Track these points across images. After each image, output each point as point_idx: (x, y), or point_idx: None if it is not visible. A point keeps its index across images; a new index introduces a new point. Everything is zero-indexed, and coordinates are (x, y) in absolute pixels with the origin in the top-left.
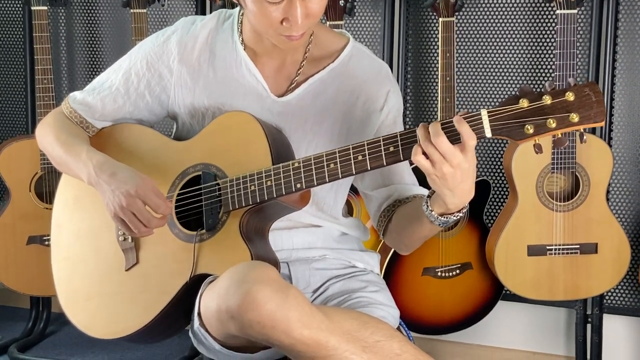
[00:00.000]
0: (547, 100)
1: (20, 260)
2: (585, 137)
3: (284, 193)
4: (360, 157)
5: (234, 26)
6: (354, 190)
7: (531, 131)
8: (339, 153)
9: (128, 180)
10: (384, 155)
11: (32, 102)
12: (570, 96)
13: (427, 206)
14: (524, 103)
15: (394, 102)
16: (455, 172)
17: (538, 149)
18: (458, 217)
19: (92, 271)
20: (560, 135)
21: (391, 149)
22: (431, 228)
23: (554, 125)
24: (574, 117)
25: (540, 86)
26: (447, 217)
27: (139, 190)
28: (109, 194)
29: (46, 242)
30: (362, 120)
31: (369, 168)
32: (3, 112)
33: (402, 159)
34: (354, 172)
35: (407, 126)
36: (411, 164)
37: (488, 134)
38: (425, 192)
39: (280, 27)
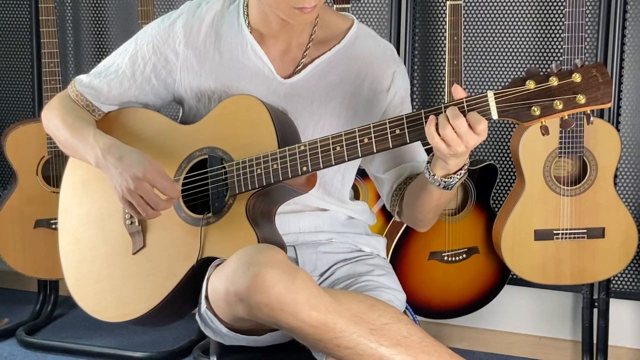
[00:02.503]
0: (553, 81)
1: (28, 244)
2: (592, 119)
3: (290, 176)
4: (366, 140)
5: (240, 9)
6: (360, 174)
7: (538, 113)
8: (345, 136)
9: (136, 164)
10: (390, 138)
11: (39, 85)
12: (577, 77)
13: (429, 172)
14: (531, 85)
15: (401, 82)
16: (467, 151)
17: (545, 130)
18: (461, 175)
19: (99, 255)
20: (567, 117)
21: (397, 131)
22: (439, 195)
23: (560, 106)
24: (581, 99)
25: (548, 69)
26: (450, 178)
27: (146, 173)
28: (116, 177)
29: (53, 226)
30: (369, 101)
31: (375, 151)
32: (10, 96)
33: (408, 141)
34: (360, 155)
35: (414, 110)
36: (423, 144)
37: (494, 115)
38: None
39: None
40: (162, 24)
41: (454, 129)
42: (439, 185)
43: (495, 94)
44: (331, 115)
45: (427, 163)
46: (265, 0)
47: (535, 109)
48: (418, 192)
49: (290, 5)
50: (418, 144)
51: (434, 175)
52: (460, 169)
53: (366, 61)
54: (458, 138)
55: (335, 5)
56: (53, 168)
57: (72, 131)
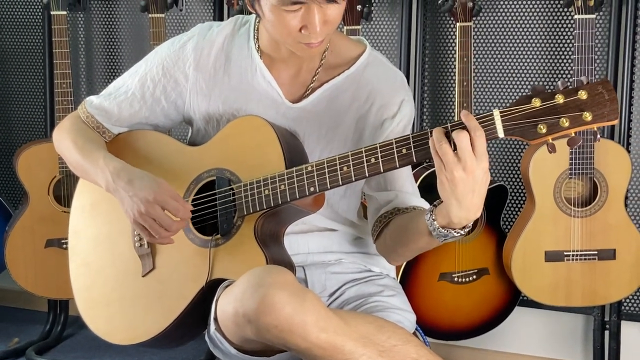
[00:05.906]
0: (559, 99)
1: (39, 263)
2: (598, 136)
3: (297, 197)
4: (373, 160)
5: (250, 32)
6: None
7: (544, 131)
8: (351, 156)
9: (145, 187)
10: (396, 158)
11: (51, 106)
12: (583, 95)
13: (431, 215)
14: (537, 102)
15: (407, 110)
16: (467, 178)
17: (551, 148)
18: (459, 234)
19: (109, 277)
20: (573, 135)
21: (404, 151)
22: (428, 241)
23: (567, 124)
24: (587, 116)
25: (554, 86)
26: (447, 231)
27: (156, 196)
28: (127, 201)
29: (64, 245)
30: (375, 127)
31: (382, 170)
32: (22, 116)
33: (414, 160)
34: (367, 175)
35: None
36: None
37: (500, 134)
38: (425, 204)
39: (299, 35)
40: (172, 46)
41: (453, 143)
42: (434, 231)
43: (501, 112)
44: (339, 139)
45: (432, 206)
46: (273, 34)
47: (542, 126)
48: (408, 230)
49: (297, 40)
50: (409, 174)
51: (434, 220)
52: (462, 227)
53: (375, 88)
54: (454, 156)
55: (345, 27)
56: (64, 188)
57: (82, 154)
